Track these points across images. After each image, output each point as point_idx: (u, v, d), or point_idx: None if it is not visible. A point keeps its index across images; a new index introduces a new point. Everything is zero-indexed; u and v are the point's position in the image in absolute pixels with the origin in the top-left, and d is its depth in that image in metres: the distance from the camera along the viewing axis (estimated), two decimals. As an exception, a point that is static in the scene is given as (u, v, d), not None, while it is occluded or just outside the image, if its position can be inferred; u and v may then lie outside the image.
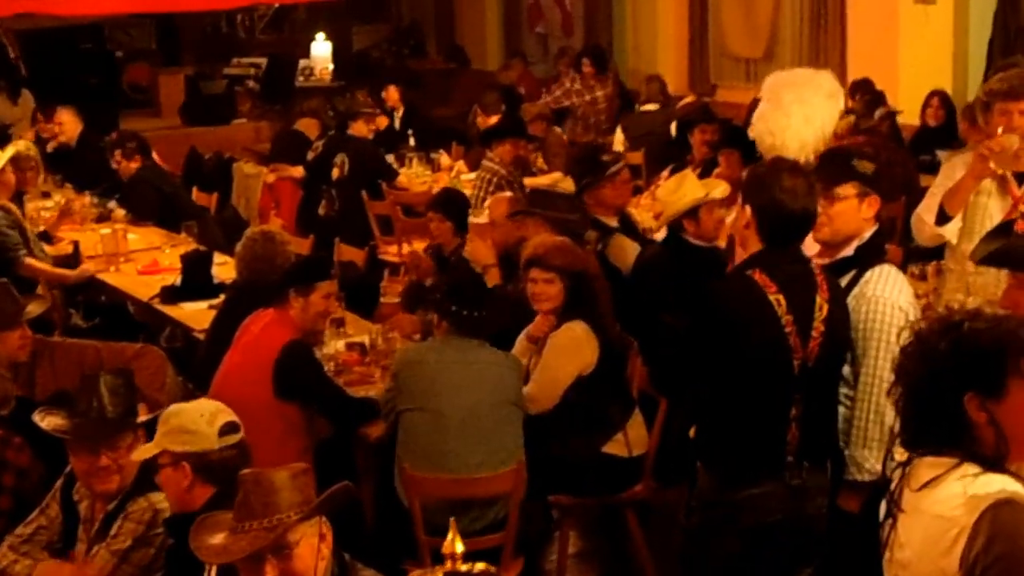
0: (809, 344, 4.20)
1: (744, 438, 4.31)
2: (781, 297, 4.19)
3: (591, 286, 5.73)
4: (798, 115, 5.65)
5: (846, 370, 4.43)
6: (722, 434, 4.51)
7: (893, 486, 2.99)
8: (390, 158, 10.88)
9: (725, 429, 4.47)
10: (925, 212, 5.42)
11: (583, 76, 12.90)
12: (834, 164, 4.73)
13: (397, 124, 12.41)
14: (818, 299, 4.23)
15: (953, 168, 5.45)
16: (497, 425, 5.31)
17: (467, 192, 8.76)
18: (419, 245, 8.16)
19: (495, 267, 6.17)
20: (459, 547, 2.69)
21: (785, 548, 4.32)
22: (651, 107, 11.74)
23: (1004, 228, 3.73)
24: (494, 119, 11.13)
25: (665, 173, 8.79)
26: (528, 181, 8.90)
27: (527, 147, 9.54)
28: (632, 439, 5.72)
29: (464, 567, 2.75)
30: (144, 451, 4.17)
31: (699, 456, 4.64)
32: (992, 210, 5.14)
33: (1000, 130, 5.09)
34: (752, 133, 5.77)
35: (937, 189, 5.47)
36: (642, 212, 7.95)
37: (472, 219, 6.72)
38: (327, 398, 5.72)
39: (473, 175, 9.98)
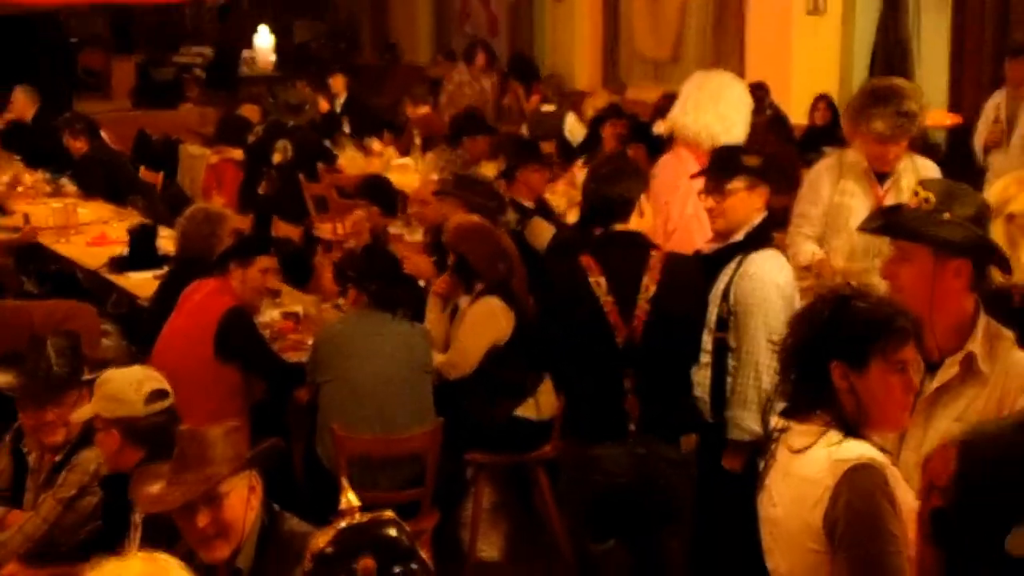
0: (633, 322, 4.25)
1: (585, 404, 4.40)
2: (602, 279, 4.26)
3: (485, 268, 5.73)
4: (743, 105, 5.65)
5: (733, 342, 4.47)
6: (570, 399, 4.61)
7: (772, 447, 3.03)
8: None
9: (571, 395, 4.56)
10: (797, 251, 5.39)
11: (471, 67, 12.92)
12: (723, 161, 4.74)
13: (338, 109, 12.35)
14: (645, 280, 4.28)
15: (814, 180, 5.44)
16: (408, 389, 5.34)
17: (400, 177, 8.79)
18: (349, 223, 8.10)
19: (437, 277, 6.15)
20: (354, 500, 2.72)
21: (636, 509, 4.37)
22: (549, 108, 11.77)
23: (893, 209, 3.79)
24: (423, 109, 11.17)
25: (579, 162, 8.83)
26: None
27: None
28: (542, 404, 5.74)
29: (360, 517, 2.79)
30: (81, 414, 4.14)
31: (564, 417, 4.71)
32: (857, 209, 5.16)
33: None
34: (690, 129, 5.65)
35: (802, 205, 5.45)
36: (557, 198, 7.99)
37: (406, 238, 6.68)
38: (263, 361, 5.70)
39: (405, 160, 10.03)
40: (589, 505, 4.38)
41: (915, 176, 5.03)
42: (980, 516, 2.50)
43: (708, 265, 4.57)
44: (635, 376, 4.28)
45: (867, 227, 3.76)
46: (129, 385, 4.00)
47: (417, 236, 6.57)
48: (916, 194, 3.48)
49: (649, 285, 4.26)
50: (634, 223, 4.40)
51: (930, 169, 5.27)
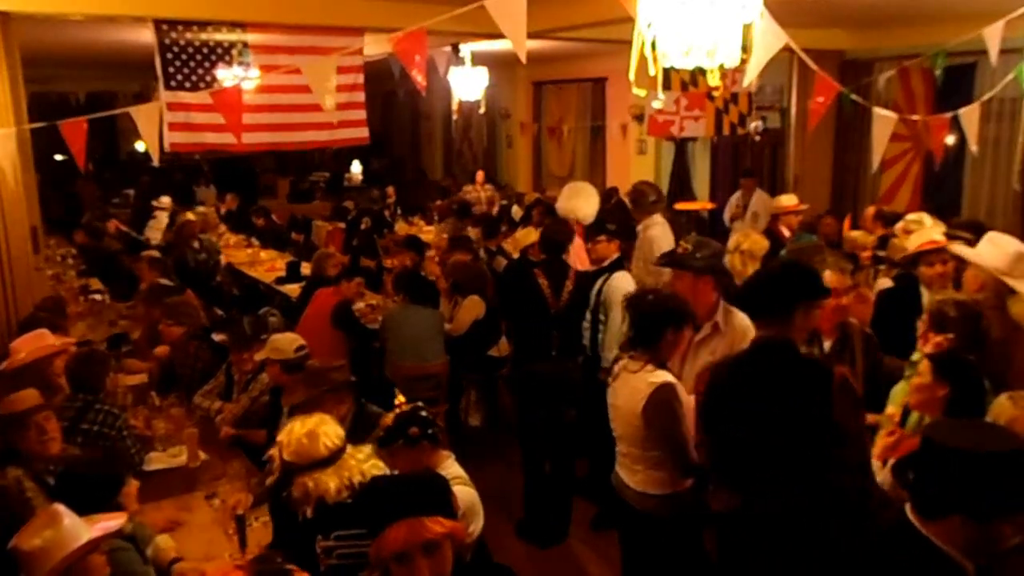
0: (560, 302, 4.30)
1: (532, 341, 4.42)
2: (546, 281, 4.31)
3: (470, 283, 5.70)
4: (594, 200, 5.75)
5: (602, 317, 4.47)
6: (523, 340, 4.61)
7: (616, 369, 3.07)
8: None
9: (524, 337, 4.57)
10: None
11: (454, 183, 12.97)
12: (596, 226, 4.81)
13: (391, 202, 12.30)
14: (567, 282, 4.33)
15: (644, 229, 5.48)
16: (430, 341, 5.31)
17: (426, 236, 8.74)
18: (403, 260, 8.02)
19: (447, 287, 6.13)
20: (402, 399, 2.73)
21: (554, 394, 4.40)
22: (504, 202, 11.77)
23: (671, 252, 3.82)
24: (438, 202, 11.12)
25: (519, 228, 8.80)
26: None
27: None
28: (501, 348, 5.75)
29: (406, 406, 2.79)
30: (258, 356, 4.12)
31: (513, 353, 4.71)
32: (659, 246, 5.25)
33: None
34: (566, 209, 5.74)
35: (638, 253, 5.45)
36: (508, 246, 7.98)
37: (430, 268, 6.67)
38: (355, 328, 5.65)
39: (430, 227, 9.96)
40: (530, 391, 4.38)
41: None
42: (717, 405, 2.57)
43: (590, 277, 4.59)
44: (558, 328, 4.31)
45: (659, 263, 3.81)
46: (287, 342, 3.99)
47: (435, 267, 6.55)
48: (680, 245, 3.55)
49: (568, 285, 4.30)
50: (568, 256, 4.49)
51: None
